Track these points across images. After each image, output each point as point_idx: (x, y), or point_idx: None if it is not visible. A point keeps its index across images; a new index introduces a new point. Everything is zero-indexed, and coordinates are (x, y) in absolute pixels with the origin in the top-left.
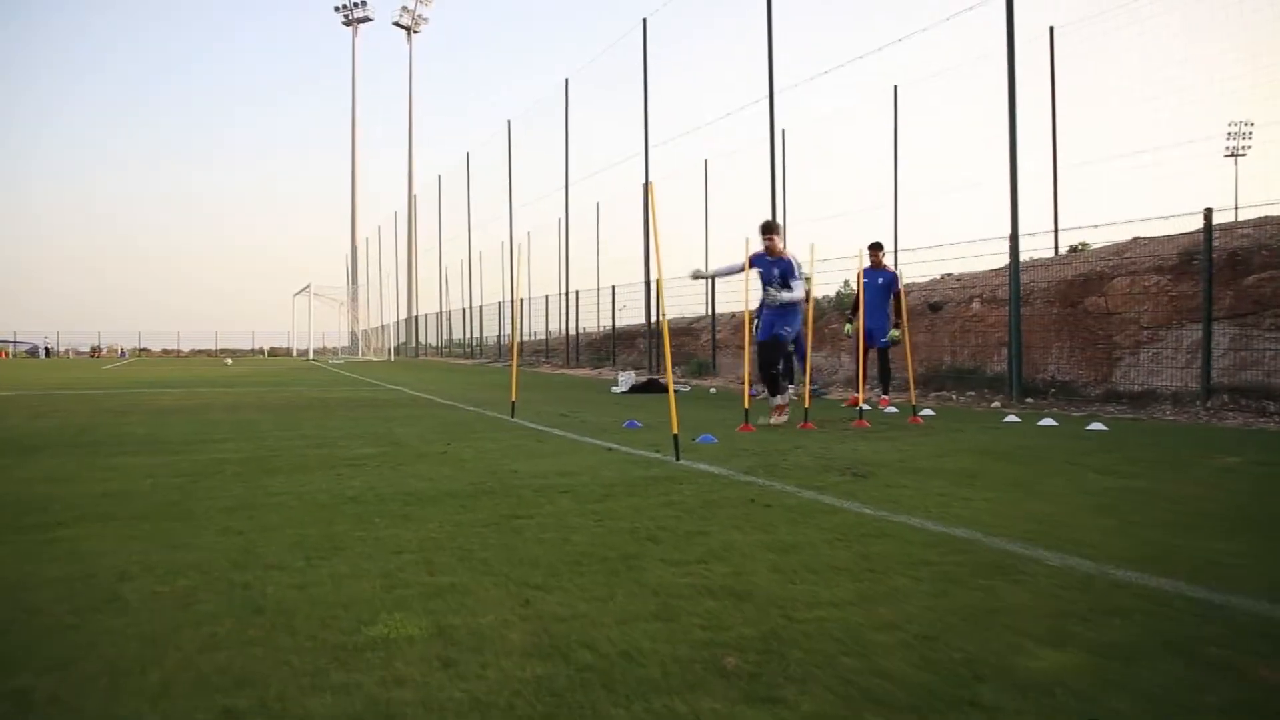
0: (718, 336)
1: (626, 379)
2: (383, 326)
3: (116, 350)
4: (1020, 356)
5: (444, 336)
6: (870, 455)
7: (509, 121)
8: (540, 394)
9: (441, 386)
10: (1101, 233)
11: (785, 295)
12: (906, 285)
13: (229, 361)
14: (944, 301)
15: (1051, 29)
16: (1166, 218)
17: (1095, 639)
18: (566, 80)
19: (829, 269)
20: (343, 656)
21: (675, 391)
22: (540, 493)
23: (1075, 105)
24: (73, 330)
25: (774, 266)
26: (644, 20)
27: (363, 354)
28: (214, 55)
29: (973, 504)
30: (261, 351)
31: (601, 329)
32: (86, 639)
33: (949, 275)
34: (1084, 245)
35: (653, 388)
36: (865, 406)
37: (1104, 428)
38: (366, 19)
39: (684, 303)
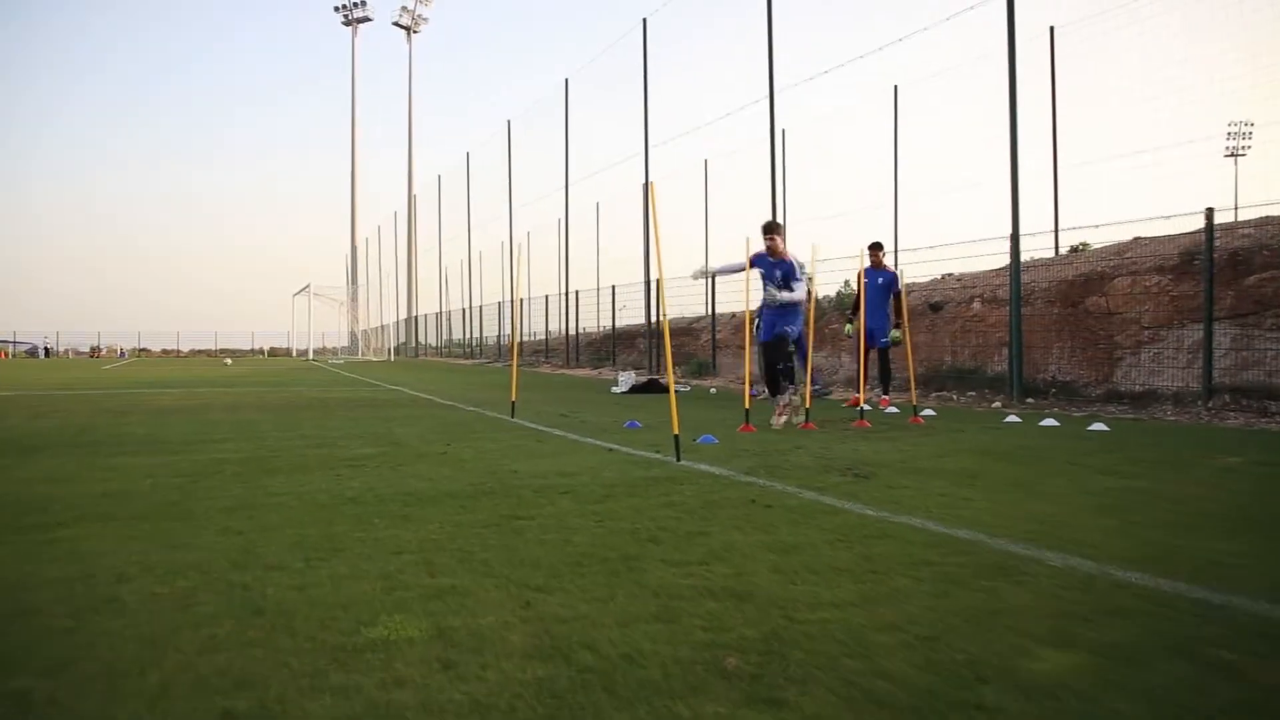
0: (718, 336)
1: (626, 379)
2: (382, 326)
3: (116, 350)
4: (1021, 357)
5: (444, 336)
6: (871, 456)
7: (509, 121)
8: (540, 394)
9: (441, 386)
10: (1102, 232)
11: (785, 295)
12: (907, 285)
13: (229, 361)
14: (944, 301)
15: (1052, 29)
16: (1168, 217)
17: (1098, 640)
18: (566, 80)
19: (829, 269)
20: (342, 658)
21: (675, 391)
22: (540, 493)
23: (1075, 105)
24: (72, 330)
25: (776, 268)
26: (644, 20)
27: (362, 354)
28: (214, 55)
29: (974, 504)
30: (261, 352)
31: (601, 329)
32: (85, 640)
33: (949, 275)
34: (1085, 245)
35: (653, 388)
36: (866, 407)
37: (1105, 428)
38: (366, 19)
39: (684, 303)
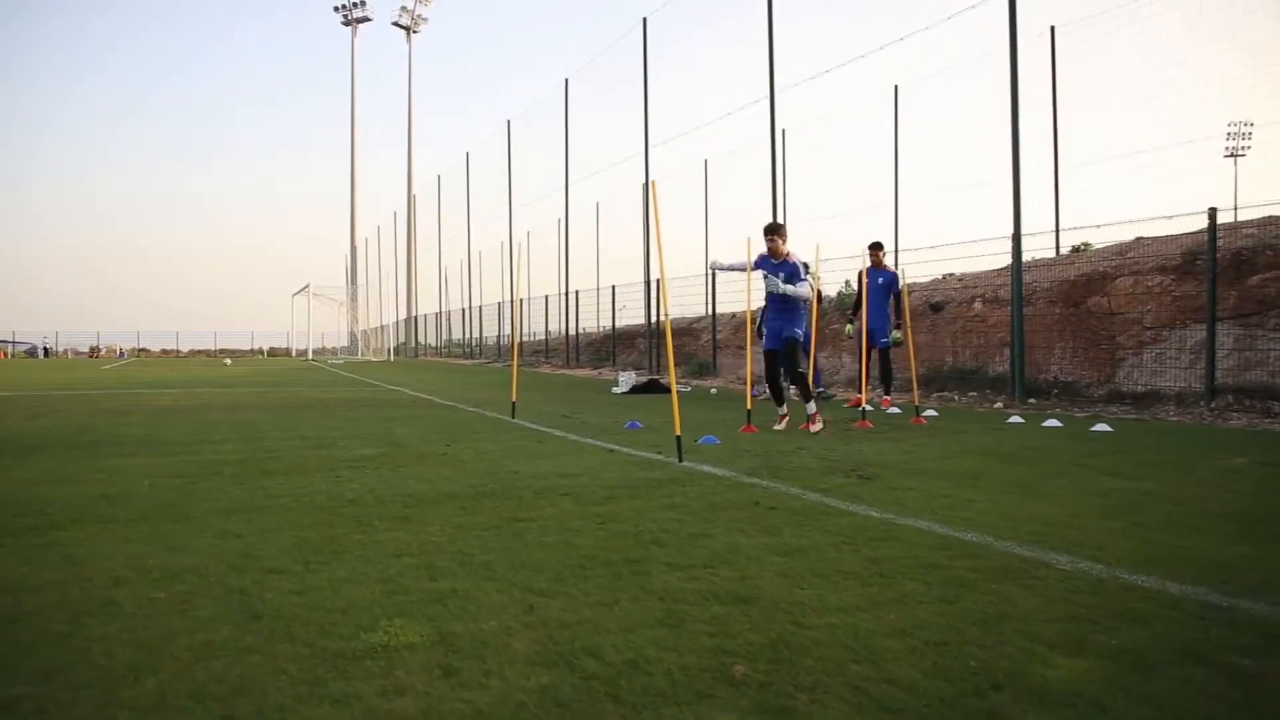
0: (718, 336)
1: (627, 379)
2: (382, 327)
3: (115, 350)
4: (1023, 357)
5: (443, 337)
6: (874, 456)
7: (509, 121)
8: (540, 394)
9: (441, 387)
10: (1104, 232)
11: (787, 286)
12: (908, 285)
13: (228, 362)
14: (946, 301)
15: (1052, 29)
16: (1170, 217)
17: (1110, 645)
18: (566, 80)
19: (830, 269)
20: (342, 664)
21: (676, 392)
22: (542, 495)
23: (1076, 105)
24: (72, 330)
25: (778, 270)
26: (644, 20)
27: (362, 354)
28: (214, 55)
29: (979, 506)
30: (261, 352)
31: (601, 329)
32: (80, 645)
33: (950, 275)
34: (1086, 245)
35: (653, 388)
36: (868, 407)
37: (1108, 429)
38: (366, 19)
39: (685, 303)
